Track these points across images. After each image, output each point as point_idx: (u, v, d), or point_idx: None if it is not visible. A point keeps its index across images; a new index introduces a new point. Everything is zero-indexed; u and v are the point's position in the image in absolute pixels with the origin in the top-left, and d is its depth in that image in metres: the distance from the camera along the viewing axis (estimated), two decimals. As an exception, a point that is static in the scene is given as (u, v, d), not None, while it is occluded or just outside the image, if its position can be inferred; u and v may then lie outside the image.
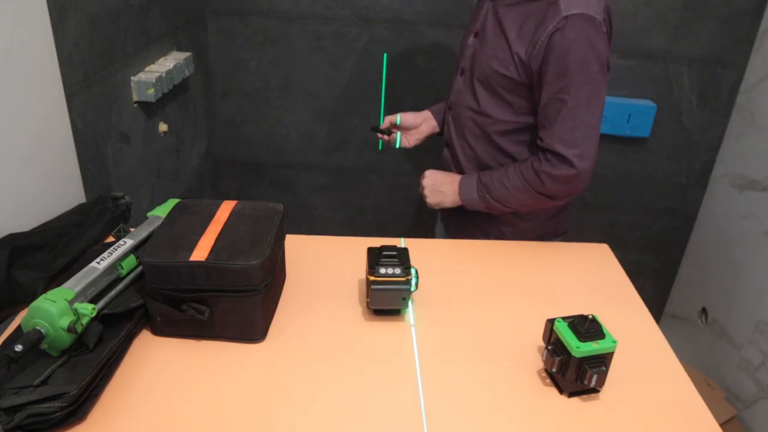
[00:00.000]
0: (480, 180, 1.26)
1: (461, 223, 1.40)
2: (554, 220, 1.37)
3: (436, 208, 1.35)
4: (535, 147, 1.22)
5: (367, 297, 1.01)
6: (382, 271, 0.98)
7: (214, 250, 0.93)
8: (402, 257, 1.01)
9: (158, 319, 0.95)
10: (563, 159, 1.15)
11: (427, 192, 1.33)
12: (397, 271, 0.98)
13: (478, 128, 1.29)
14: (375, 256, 1.01)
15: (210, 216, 1.02)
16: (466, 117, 1.31)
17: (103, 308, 0.92)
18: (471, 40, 1.28)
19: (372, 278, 0.98)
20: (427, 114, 1.49)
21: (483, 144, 1.30)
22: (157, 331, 0.97)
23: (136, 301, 0.95)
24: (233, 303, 0.93)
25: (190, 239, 0.95)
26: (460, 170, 1.37)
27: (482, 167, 1.32)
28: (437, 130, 1.48)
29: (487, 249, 1.26)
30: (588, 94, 1.12)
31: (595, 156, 1.17)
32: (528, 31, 1.14)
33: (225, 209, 1.04)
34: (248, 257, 0.92)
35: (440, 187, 1.31)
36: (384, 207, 2.30)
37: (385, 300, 1.00)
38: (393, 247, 1.02)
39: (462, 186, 1.28)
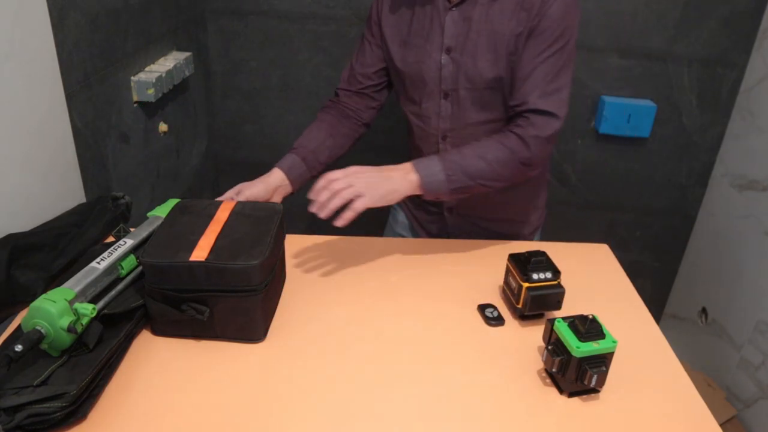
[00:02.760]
0: (446, 159, 1.11)
1: (459, 223, 1.39)
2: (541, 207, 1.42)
3: (385, 203, 1.09)
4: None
5: (518, 303, 1.02)
6: (535, 276, 1.00)
7: (213, 250, 0.93)
8: (547, 261, 1.02)
9: (158, 319, 0.95)
10: (549, 114, 1.14)
11: (361, 185, 1.04)
12: (549, 275, 1.00)
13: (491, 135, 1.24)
14: (522, 263, 1.01)
15: (210, 216, 1.02)
16: (479, 134, 1.23)
17: (103, 308, 0.92)
18: (444, 58, 1.18)
19: (527, 285, 0.99)
20: (277, 179, 1.22)
21: None
22: (158, 331, 0.97)
23: (136, 301, 0.95)
24: (233, 303, 0.93)
25: (190, 239, 0.95)
26: None
27: None
28: (290, 191, 1.26)
29: (486, 248, 1.26)
30: (569, 57, 1.15)
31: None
32: (526, 7, 1.12)
33: (225, 209, 1.04)
34: (248, 257, 0.91)
35: (382, 174, 1.08)
36: (384, 207, 2.29)
37: (543, 304, 1.01)
38: (539, 252, 1.03)
39: (420, 169, 1.09)
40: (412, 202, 1.45)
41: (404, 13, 1.22)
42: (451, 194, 1.12)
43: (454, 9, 1.16)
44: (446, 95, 1.22)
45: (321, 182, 1.04)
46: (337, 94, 1.37)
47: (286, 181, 1.23)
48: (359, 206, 1.03)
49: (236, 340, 0.96)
